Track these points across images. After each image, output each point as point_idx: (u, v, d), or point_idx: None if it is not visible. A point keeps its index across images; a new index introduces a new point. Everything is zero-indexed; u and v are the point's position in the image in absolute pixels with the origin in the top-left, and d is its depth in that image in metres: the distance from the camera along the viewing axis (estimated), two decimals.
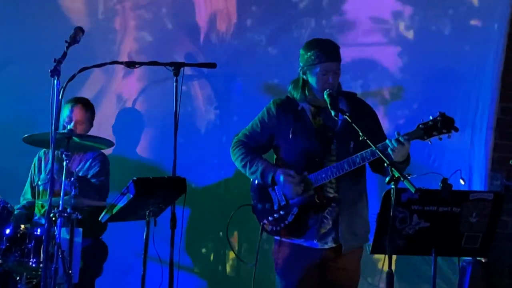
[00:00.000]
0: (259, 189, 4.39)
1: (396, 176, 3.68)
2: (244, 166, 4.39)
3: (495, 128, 5.73)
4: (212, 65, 4.82)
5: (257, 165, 4.33)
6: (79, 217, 4.51)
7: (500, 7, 5.66)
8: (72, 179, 4.56)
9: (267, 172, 4.30)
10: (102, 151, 5.20)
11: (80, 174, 5.06)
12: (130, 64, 4.71)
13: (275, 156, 4.46)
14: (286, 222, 4.29)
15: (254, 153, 4.39)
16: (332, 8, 5.83)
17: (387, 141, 4.04)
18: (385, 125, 5.61)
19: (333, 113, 4.15)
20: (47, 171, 5.21)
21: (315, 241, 4.28)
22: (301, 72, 4.35)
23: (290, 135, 4.31)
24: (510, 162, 5.75)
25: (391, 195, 3.68)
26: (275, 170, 4.29)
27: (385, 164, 3.80)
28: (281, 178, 4.26)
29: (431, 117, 4.03)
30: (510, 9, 5.66)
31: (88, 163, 5.21)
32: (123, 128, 5.95)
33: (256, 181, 4.39)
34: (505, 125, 5.83)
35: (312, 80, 4.30)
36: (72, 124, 5.11)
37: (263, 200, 4.38)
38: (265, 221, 4.35)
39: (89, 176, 5.15)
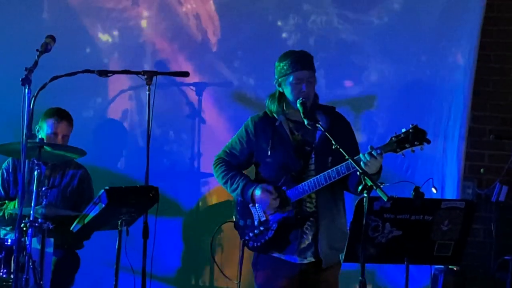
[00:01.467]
0: (241, 205, 4.39)
1: (369, 184, 3.69)
2: (226, 183, 4.39)
3: (467, 137, 5.75)
4: (185, 74, 4.81)
5: (237, 182, 4.33)
6: (50, 226, 4.47)
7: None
8: (44, 188, 4.53)
9: (246, 188, 4.30)
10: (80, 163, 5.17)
11: (68, 190, 5.09)
12: (102, 73, 4.70)
13: (255, 171, 4.46)
14: (267, 237, 4.29)
15: (234, 170, 4.39)
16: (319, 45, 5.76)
17: (360, 155, 4.05)
18: (359, 134, 5.64)
19: (306, 122, 4.15)
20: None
21: (294, 256, 4.28)
22: (277, 85, 4.35)
23: (269, 152, 4.30)
24: (481, 171, 5.81)
25: (364, 204, 3.68)
26: (255, 186, 4.29)
27: (358, 173, 3.81)
28: (259, 192, 4.26)
29: (403, 130, 4.04)
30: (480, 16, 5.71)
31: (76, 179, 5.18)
32: (101, 138, 5.91)
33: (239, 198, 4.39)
34: (477, 134, 5.87)
35: (287, 90, 4.30)
36: (59, 138, 5.06)
37: (245, 216, 4.38)
38: (246, 237, 4.35)
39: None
